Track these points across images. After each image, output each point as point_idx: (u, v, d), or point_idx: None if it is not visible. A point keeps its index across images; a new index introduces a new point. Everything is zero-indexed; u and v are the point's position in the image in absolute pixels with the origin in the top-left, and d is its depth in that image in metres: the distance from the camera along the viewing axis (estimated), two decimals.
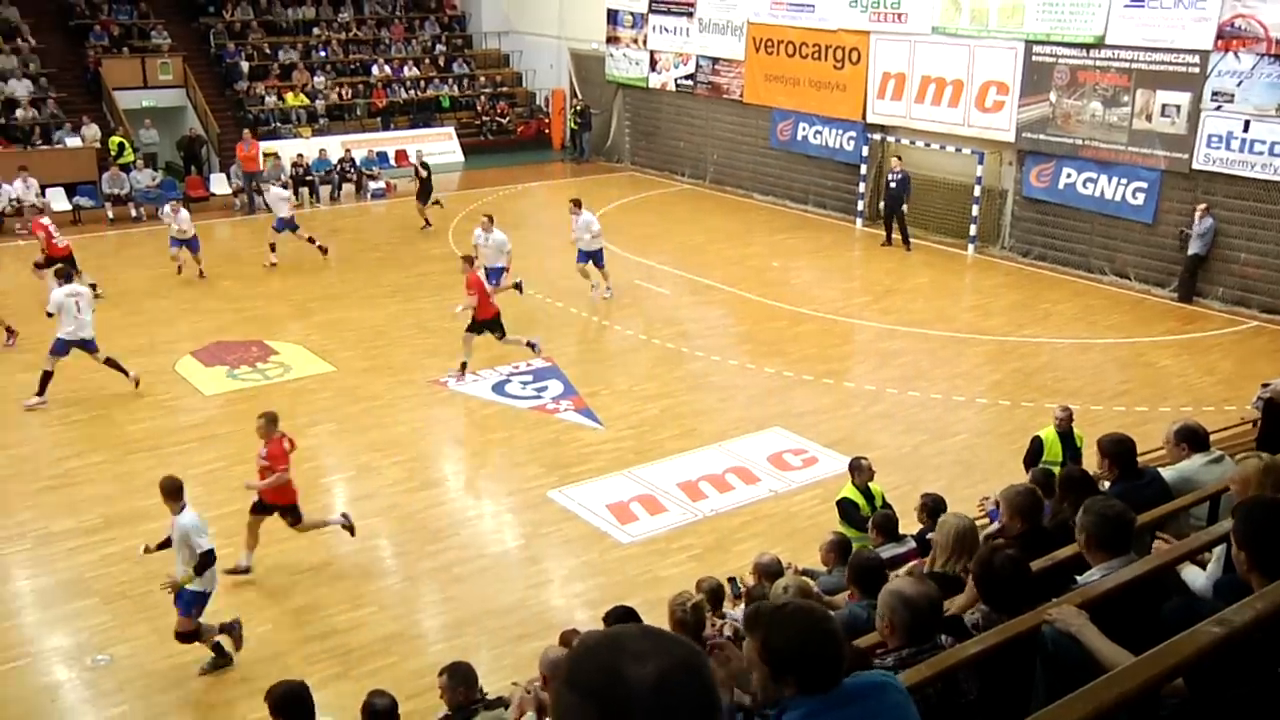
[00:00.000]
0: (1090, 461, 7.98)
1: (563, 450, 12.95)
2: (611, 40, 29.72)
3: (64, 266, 14.98)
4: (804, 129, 25.11)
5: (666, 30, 28.06)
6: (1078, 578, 4.69)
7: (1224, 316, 17.81)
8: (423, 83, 31.67)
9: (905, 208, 21.89)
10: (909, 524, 8.99)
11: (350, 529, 10.50)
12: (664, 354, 16.14)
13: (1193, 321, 17.68)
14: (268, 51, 30.21)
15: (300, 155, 26.43)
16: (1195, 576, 4.85)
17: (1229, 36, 17.53)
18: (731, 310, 18.48)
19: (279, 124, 28.60)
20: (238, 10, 30.73)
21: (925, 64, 22.05)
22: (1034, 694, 3.95)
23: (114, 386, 14.41)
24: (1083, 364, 15.82)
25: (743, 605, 7.66)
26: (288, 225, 20.26)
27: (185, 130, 27.49)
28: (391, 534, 11.08)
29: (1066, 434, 9.97)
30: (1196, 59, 17.94)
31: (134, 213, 24.20)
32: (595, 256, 18.04)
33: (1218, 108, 17.81)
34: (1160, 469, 6.80)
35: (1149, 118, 18.75)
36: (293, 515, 10.30)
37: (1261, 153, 17.37)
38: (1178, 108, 18.33)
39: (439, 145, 29.94)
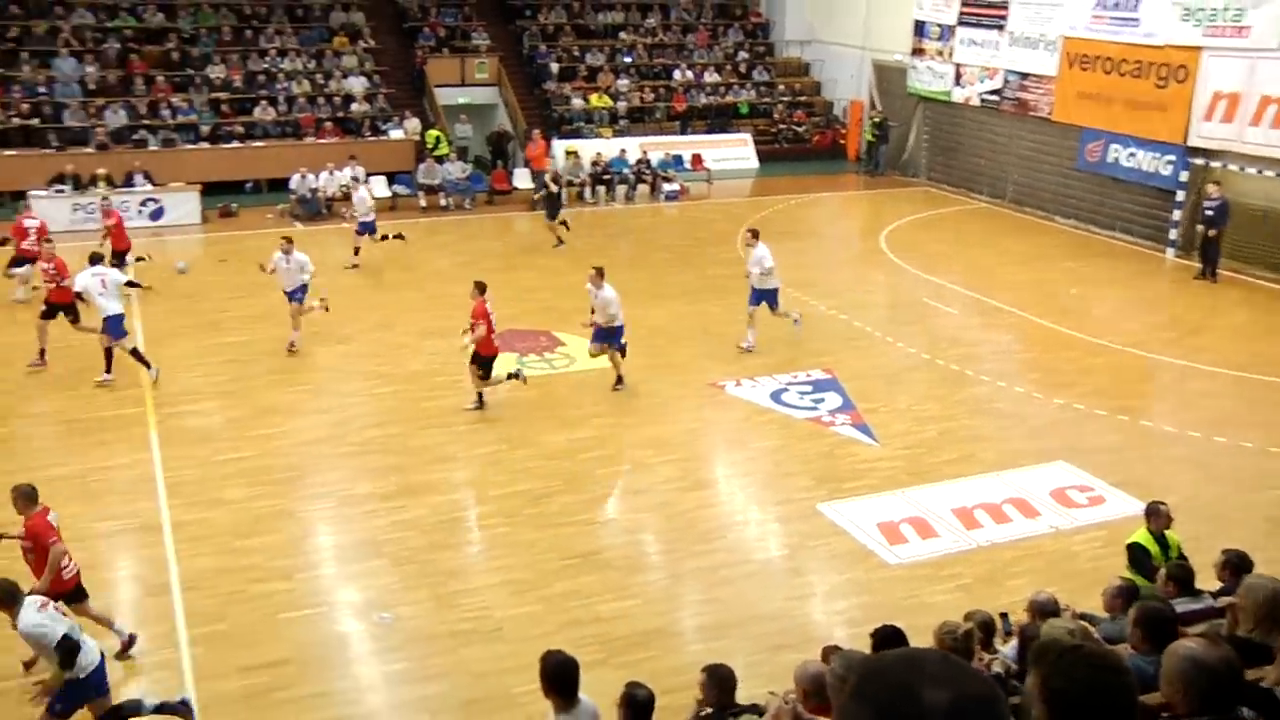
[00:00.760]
0: None
1: (836, 464, 12.79)
2: (916, 52, 29.12)
3: (99, 254, 15.96)
4: (1115, 150, 23.73)
5: (974, 43, 27.21)
6: None
7: None
8: (722, 89, 32.10)
9: (1214, 233, 20.33)
10: (1206, 579, 8.31)
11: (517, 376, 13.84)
12: (947, 375, 15.64)
13: None
14: (576, 54, 31.45)
15: (599, 154, 27.37)
16: None
17: None
18: (1021, 335, 17.70)
19: (582, 123, 29.72)
20: (552, 14, 32.18)
21: (1267, 82, 20.27)
22: None
23: (412, 364, 15.42)
24: None
25: (1014, 643, 7.30)
26: (368, 229, 20.64)
27: (495, 126, 29.01)
28: (660, 530, 11.28)
29: None
30: None
31: (443, 202, 25.78)
32: (769, 298, 16.11)
33: None
34: None
35: None
36: (484, 369, 13.75)
37: None
38: None
39: (734, 151, 30.28)
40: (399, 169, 26.58)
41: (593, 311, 14.61)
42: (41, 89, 26.02)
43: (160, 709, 7.97)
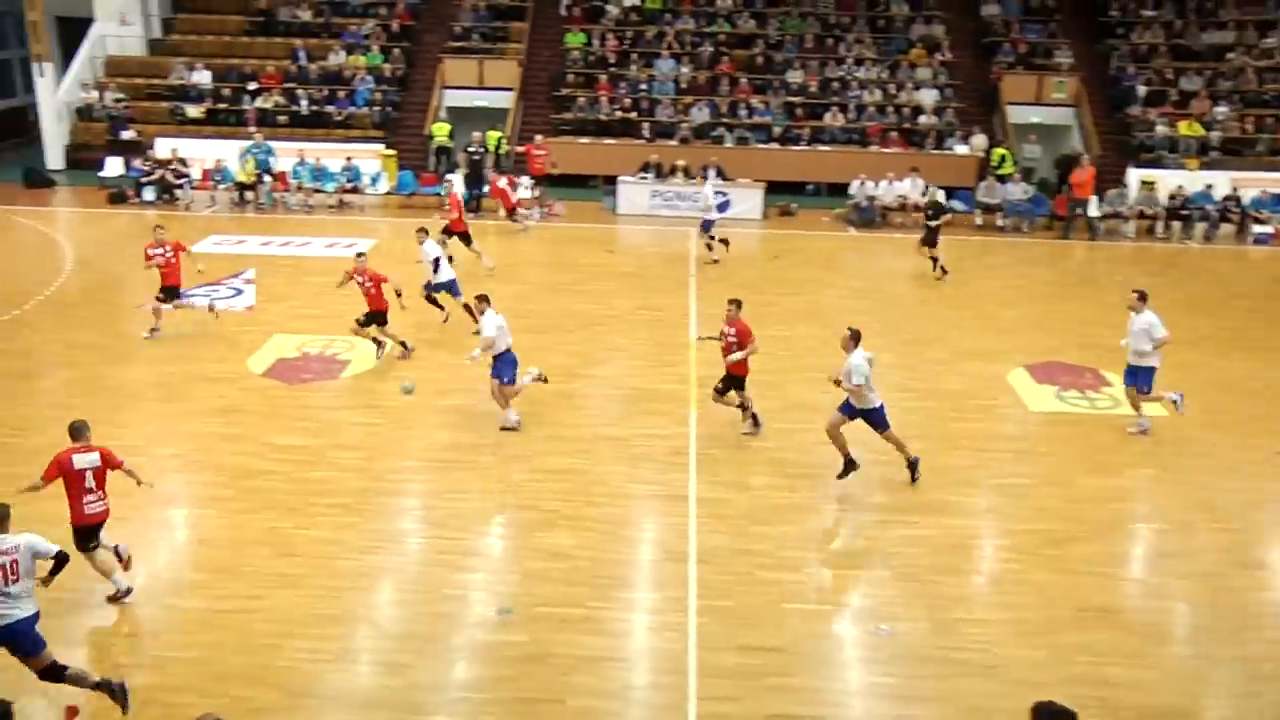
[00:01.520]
0: None
1: None
2: None
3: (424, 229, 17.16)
4: None
5: None
6: None
7: None
8: None
9: None
10: None
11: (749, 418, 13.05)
12: None
13: None
14: (1169, 76, 29.06)
15: (1180, 188, 25.14)
16: None
17: None
18: None
19: (1164, 152, 27.44)
20: (1148, 33, 29.99)
21: None
22: None
23: (947, 382, 15.11)
24: None
25: None
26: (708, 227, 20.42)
27: (1065, 149, 27.62)
28: (1198, 603, 10.12)
29: None
30: None
31: (1000, 222, 25.00)
32: (1140, 377, 13.45)
33: None
34: None
35: None
36: (737, 386, 13.02)
37: None
38: None
39: None
40: (959, 184, 26.18)
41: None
42: (643, 86, 28.79)
43: (98, 685, 7.87)
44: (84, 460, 9.29)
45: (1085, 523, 11.37)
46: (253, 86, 28.74)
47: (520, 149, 26.51)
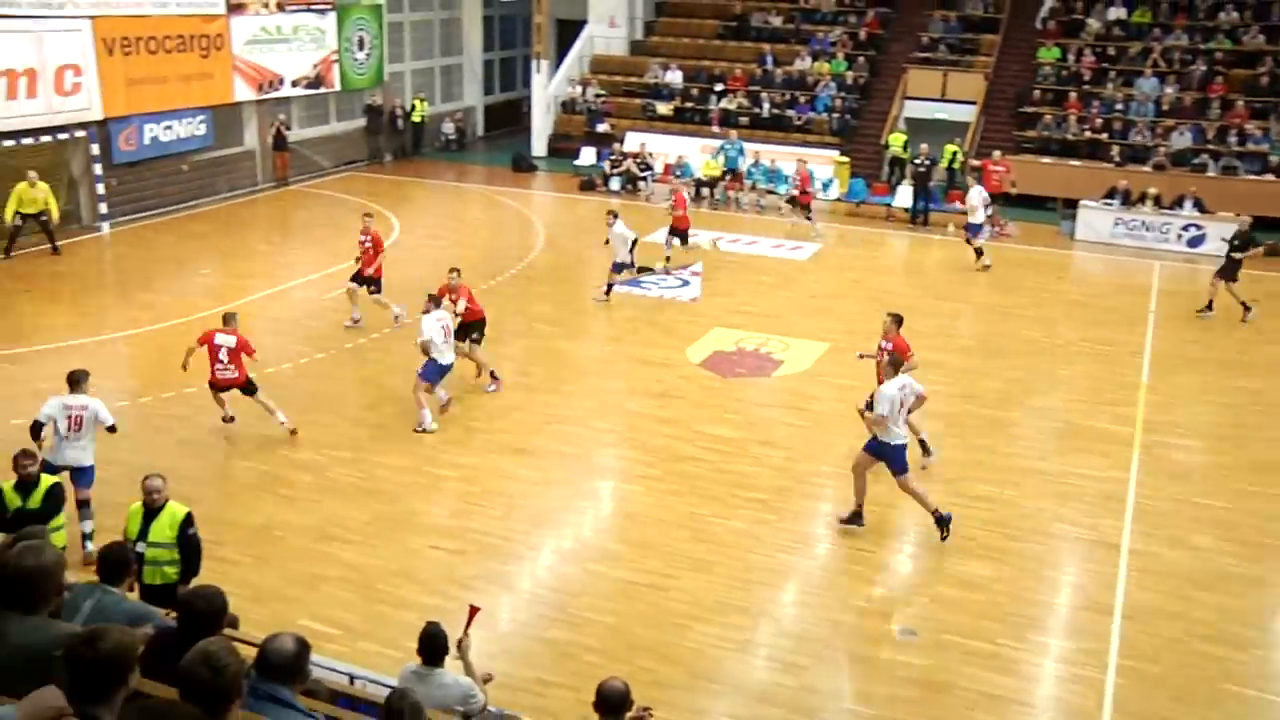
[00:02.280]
0: None
1: None
2: None
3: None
4: None
5: None
6: None
7: None
8: None
9: None
10: None
11: None
12: None
13: None
14: None
15: None
16: None
17: None
18: None
19: None
20: None
21: None
22: None
23: None
24: None
25: None
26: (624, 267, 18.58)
27: None
28: None
29: None
30: None
31: None
32: None
33: None
34: None
35: None
36: None
37: None
38: None
39: None
40: None
41: None
42: (1118, 106, 26.92)
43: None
44: (223, 339, 12.42)
45: None
46: (719, 87, 29.96)
47: (976, 163, 25.72)
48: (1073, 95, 27.37)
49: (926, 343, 16.36)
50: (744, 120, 28.97)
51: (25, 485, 8.63)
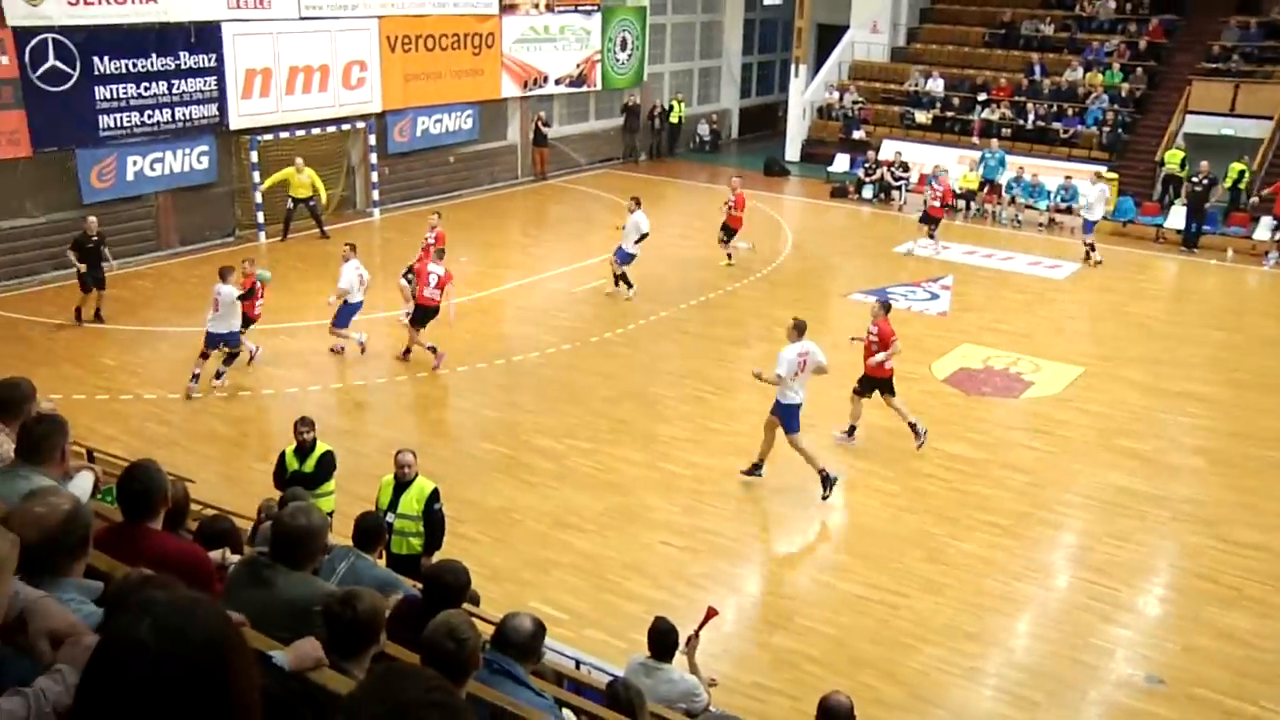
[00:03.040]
0: None
1: None
2: None
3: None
4: None
5: None
6: None
7: None
8: None
9: None
10: None
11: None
12: None
13: None
14: None
15: None
16: None
17: None
18: None
19: None
20: None
21: None
22: None
23: None
24: None
25: None
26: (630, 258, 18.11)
27: None
28: None
29: None
30: None
31: None
32: None
33: None
34: None
35: None
36: (882, 389, 12.69)
37: None
38: None
39: None
40: None
41: None
42: None
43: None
44: (433, 267, 14.67)
45: None
46: (982, 97, 29.01)
47: (1268, 191, 23.76)
48: None
49: (1195, 374, 15.39)
50: (1006, 131, 27.92)
51: (303, 450, 9.29)
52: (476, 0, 25.06)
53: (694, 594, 9.48)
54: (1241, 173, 24.09)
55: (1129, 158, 26.69)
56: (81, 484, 4.83)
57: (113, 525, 4.22)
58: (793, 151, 31.13)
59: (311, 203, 20.86)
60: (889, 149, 27.60)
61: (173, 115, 19.54)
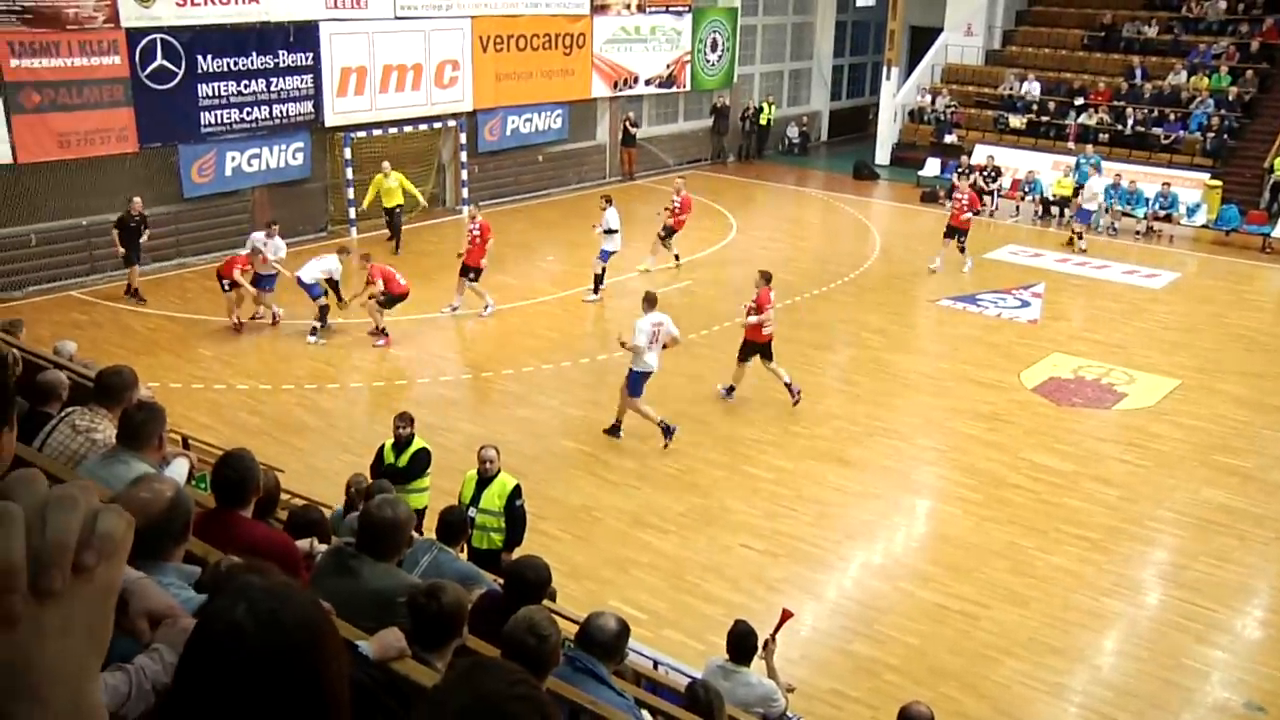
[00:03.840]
0: None
1: None
2: None
3: None
4: None
5: None
6: None
7: None
8: None
9: None
10: None
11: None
12: None
13: None
14: None
15: None
16: None
17: None
18: None
19: None
20: None
21: None
22: None
23: None
24: None
25: None
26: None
27: None
28: None
29: None
30: None
31: None
32: None
33: None
34: None
35: None
36: (762, 353, 13.65)
37: None
38: None
39: None
40: None
41: None
42: None
43: None
44: (473, 227, 16.15)
45: None
46: (1079, 101, 28.39)
47: None
48: None
49: None
50: (1103, 137, 27.29)
51: (400, 445, 9.42)
52: (568, 1, 25.22)
53: (773, 598, 9.42)
54: None
55: (1234, 164, 25.89)
56: (177, 470, 4.97)
57: (206, 511, 4.32)
58: (883, 155, 30.77)
59: (396, 210, 20.86)
60: (981, 153, 27.16)
61: (270, 112, 20.02)
